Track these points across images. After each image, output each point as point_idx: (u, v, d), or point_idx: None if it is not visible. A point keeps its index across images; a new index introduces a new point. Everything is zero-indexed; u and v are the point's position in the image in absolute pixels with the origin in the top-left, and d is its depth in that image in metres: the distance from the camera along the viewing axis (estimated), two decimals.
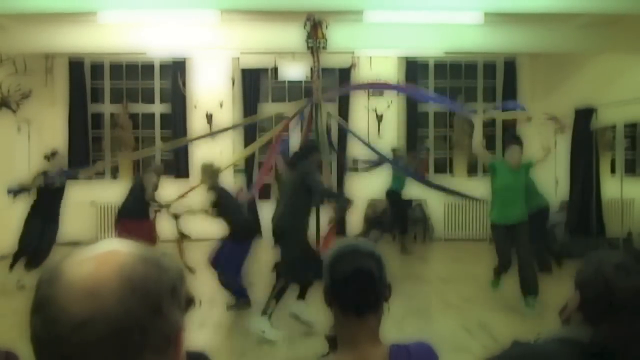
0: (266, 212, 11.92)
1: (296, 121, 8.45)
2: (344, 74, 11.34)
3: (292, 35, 8.12)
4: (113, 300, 0.74)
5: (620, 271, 1.32)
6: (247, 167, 11.18)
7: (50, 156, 7.55)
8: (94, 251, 0.80)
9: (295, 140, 8.80)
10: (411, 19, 7.95)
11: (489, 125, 11.86)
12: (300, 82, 11.32)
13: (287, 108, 10.85)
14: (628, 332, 1.29)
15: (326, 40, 7.76)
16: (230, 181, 10.25)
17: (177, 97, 11.32)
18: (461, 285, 7.60)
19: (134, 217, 7.09)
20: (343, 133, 11.38)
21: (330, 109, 9.69)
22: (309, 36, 7.68)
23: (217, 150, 10.14)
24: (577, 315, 1.38)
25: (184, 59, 11.17)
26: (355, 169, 11.26)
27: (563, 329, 1.42)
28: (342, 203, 6.26)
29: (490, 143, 11.70)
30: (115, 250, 0.80)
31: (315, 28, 7.69)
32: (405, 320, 5.78)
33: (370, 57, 11.08)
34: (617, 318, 1.30)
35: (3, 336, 4.68)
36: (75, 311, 0.73)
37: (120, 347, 0.73)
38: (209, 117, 11.14)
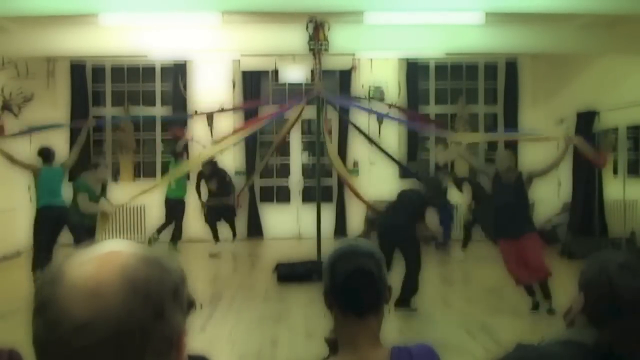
0: (267, 213, 11.93)
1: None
2: (345, 76, 11.33)
3: (293, 37, 8.11)
4: (115, 302, 0.73)
5: (624, 271, 1.31)
6: (248, 169, 11.17)
7: None
8: (96, 252, 0.79)
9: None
10: (411, 20, 7.93)
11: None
12: (301, 84, 11.31)
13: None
14: (633, 334, 1.28)
15: (328, 42, 7.75)
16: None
17: (178, 100, 11.32)
18: (463, 287, 7.58)
19: None
20: (343, 134, 11.38)
21: (330, 110, 9.69)
22: (311, 38, 7.66)
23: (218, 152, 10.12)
24: (582, 317, 1.37)
25: (185, 61, 11.17)
26: (356, 171, 11.28)
27: (567, 331, 1.41)
28: None
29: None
30: (117, 250, 0.79)
31: (317, 30, 7.68)
32: (407, 322, 5.77)
33: (371, 59, 11.07)
34: (622, 319, 1.28)
35: (5, 336, 4.65)
36: (77, 313, 0.72)
37: (122, 350, 0.72)
38: (210, 119, 11.13)
